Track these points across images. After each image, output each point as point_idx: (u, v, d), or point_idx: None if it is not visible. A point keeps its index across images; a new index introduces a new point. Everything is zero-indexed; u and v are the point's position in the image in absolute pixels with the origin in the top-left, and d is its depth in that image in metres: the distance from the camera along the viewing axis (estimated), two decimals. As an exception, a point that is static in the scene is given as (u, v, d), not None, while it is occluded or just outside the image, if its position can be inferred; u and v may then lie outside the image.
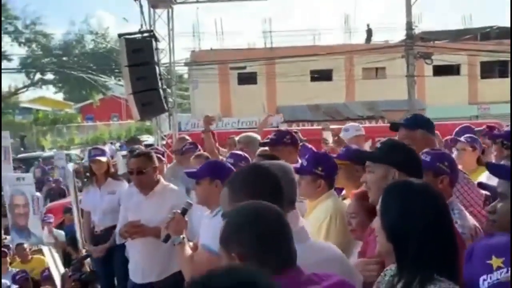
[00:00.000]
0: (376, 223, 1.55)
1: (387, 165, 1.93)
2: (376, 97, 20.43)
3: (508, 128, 2.66)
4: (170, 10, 7.25)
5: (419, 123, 2.66)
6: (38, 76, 31.50)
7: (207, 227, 2.65)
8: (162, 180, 3.63)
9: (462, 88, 22.25)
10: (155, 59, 6.28)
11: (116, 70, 25.78)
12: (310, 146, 3.92)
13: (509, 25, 24.02)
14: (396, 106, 19.95)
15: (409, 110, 18.56)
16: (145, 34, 6.42)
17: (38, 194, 6.55)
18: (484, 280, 1.01)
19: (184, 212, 2.61)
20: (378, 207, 1.57)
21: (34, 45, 29.68)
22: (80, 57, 29.39)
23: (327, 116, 20.09)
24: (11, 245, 6.22)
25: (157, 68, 6.32)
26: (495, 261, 1.02)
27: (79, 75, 23.13)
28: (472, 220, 2.05)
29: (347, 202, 2.69)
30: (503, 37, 22.07)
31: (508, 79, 22.35)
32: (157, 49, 6.39)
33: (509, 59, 21.54)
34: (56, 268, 5.44)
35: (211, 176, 2.68)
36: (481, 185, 2.11)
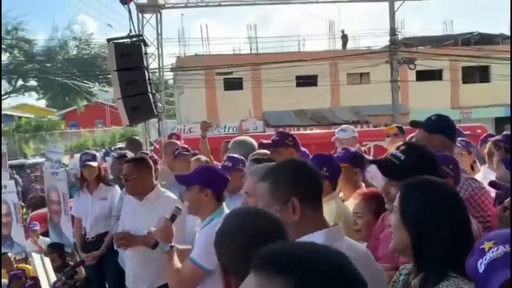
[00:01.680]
0: (394, 219, 1.53)
1: None
2: (361, 102, 20.65)
3: (507, 132, 2.70)
4: (158, 14, 7.21)
5: (439, 127, 2.59)
6: (20, 82, 31.00)
7: (197, 237, 2.59)
8: (158, 186, 3.55)
9: (445, 92, 22.62)
10: (145, 63, 6.24)
11: (101, 77, 25.53)
12: (304, 149, 3.91)
13: (489, 32, 24.61)
14: (380, 110, 20.19)
15: (393, 114, 18.84)
16: (134, 39, 6.37)
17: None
18: (480, 263, 1.04)
19: (173, 218, 2.52)
20: (396, 203, 1.55)
21: (16, 51, 29.20)
22: (64, 63, 29.00)
23: (313, 121, 20.21)
24: (-6, 255, 6.05)
25: (146, 72, 6.27)
26: (487, 244, 1.06)
27: (63, 81, 22.82)
28: (475, 222, 2.07)
29: (348, 204, 2.69)
30: (483, 43, 22.56)
31: (489, 84, 22.88)
32: (146, 53, 6.34)
33: (489, 64, 22.12)
34: (47, 276, 5.31)
35: (202, 184, 2.55)
36: (493, 184, 2.11)
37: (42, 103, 39.53)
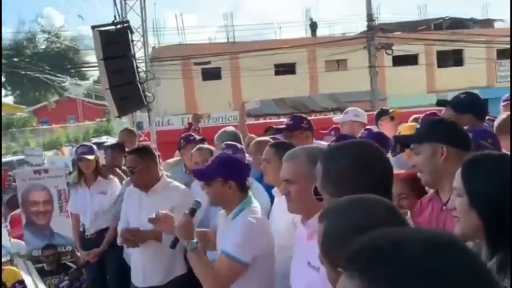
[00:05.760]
0: (459, 202, 1.42)
1: (432, 143, 1.84)
2: (339, 89, 20.69)
3: None
4: (143, 0, 6.91)
5: (469, 106, 2.51)
6: (-14, 78, 29.88)
7: (226, 230, 2.44)
8: (164, 177, 3.37)
9: (421, 77, 22.91)
10: (132, 51, 5.97)
11: (72, 70, 24.75)
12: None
13: (461, 16, 25.02)
14: (358, 97, 20.29)
15: (372, 100, 18.98)
16: (119, 26, 6.08)
17: None
18: None
19: (193, 212, 2.39)
20: (458, 185, 1.45)
21: (-19, 46, 27.99)
22: (33, 57, 27.94)
23: (293, 109, 20.15)
24: (-18, 257, 5.73)
25: (133, 61, 6.01)
26: None
27: (33, 76, 21.99)
28: None
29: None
30: (454, 27, 22.92)
31: (462, 68, 23.30)
32: (132, 41, 6.07)
33: (463, 48, 22.54)
34: (33, 282, 5.03)
35: (224, 176, 2.40)
36: None
37: (10, 99, 38.24)
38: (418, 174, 2.32)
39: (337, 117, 4.36)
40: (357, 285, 0.64)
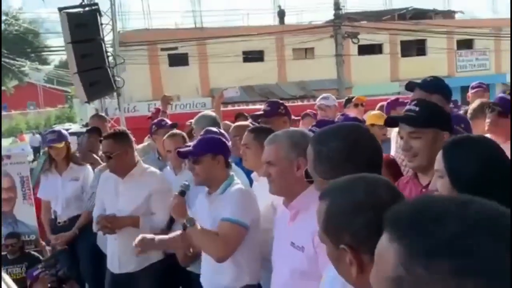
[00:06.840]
0: (441, 184, 1.49)
1: (435, 129, 1.85)
2: (307, 77, 20.89)
3: (504, 95, 2.79)
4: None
5: (437, 88, 2.58)
6: None
7: (213, 206, 2.48)
8: (141, 162, 3.33)
9: (385, 66, 23.39)
10: (101, 35, 5.82)
11: (32, 55, 23.78)
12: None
13: (424, 7, 25.66)
14: (325, 85, 20.55)
15: (338, 88, 19.27)
16: (88, 8, 5.91)
17: None
18: None
19: (183, 193, 2.46)
20: (440, 167, 1.51)
21: None
22: (-11, 40, 26.68)
23: (261, 97, 20.20)
24: None
25: (103, 45, 5.86)
26: None
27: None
28: None
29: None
30: (417, 18, 23.49)
31: (425, 57, 23.95)
32: (102, 24, 5.92)
33: (425, 38, 23.16)
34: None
35: (213, 151, 2.50)
36: None
37: (-36, 84, 36.45)
38: (397, 158, 2.41)
39: (322, 102, 4.44)
40: (396, 249, 0.64)
